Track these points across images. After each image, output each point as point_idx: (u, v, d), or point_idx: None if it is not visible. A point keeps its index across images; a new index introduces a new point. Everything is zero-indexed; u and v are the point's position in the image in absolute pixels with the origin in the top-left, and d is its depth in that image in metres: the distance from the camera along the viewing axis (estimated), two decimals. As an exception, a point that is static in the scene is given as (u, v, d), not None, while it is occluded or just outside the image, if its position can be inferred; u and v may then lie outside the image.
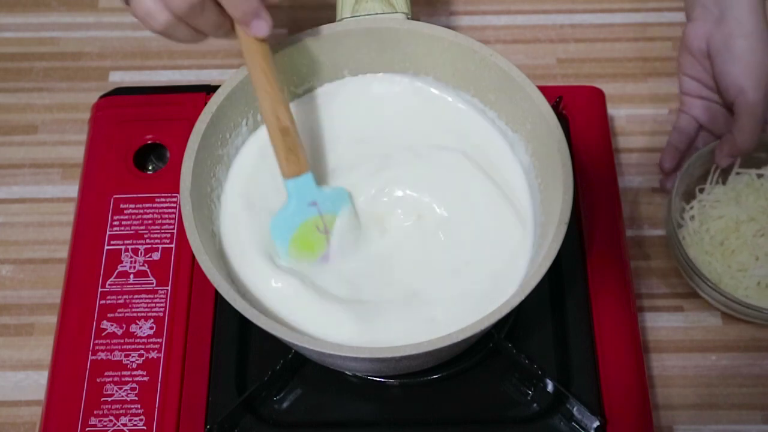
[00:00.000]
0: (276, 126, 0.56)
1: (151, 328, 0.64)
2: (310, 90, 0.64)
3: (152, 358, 0.62)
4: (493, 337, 0.62)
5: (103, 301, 0.64)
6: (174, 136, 0.70)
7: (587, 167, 0.69)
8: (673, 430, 0.65)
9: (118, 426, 0.60)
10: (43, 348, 0.68)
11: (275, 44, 0.61)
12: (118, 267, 0.66)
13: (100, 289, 0.65)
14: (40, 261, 0.72)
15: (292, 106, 0.64)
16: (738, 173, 0.70)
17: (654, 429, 0.61)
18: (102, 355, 0.63)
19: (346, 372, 0.62)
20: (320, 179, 0.61)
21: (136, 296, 0.65)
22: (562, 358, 0.63)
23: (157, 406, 0.61)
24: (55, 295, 0.68)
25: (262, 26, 0.54)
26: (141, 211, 0.68)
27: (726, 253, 0.67)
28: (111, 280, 0.65)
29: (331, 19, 0.62)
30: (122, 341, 0.63)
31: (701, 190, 0.69)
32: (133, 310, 0.64)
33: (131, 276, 0.65)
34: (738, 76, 0.64)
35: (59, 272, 0.69)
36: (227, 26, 0.54)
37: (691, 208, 0.69)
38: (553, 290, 0.65)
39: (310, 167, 0.58)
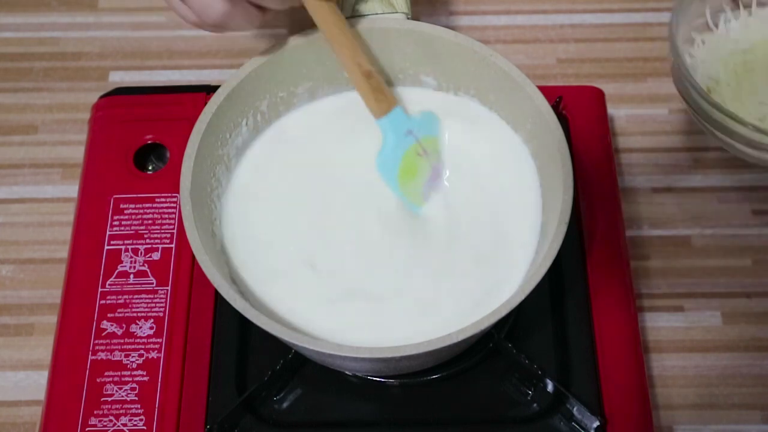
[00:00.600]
0: (359, 72, 0.58)
1: (151, 328, 0.64)
2: (309, 90, 0.64)
3: (152, 358, 0.62)
4: (493, 337, 0.62)
5: (103, 301, 0.64)
6: (174, 136, 0.70)
7: (587, 167, 0.69)
8: (673, 430, 0.65)
9: (118, 426, 0.60)
10: (43, 348, 0.68)
11: (275, 44, 0.61)
12: (118, 267, 0.66)
13: (100, 289, 0.65)
14: (40, 261, 0.72)
15: (293, 106, 0.64)
16: None
17: (654, 429, 0.61)
18: (102, 355, 0.63)
19: (346, 372, 0.62)
20: None
21: (136, 296, 0.65)
22: (562, 358, 0.63)
23: (157, 406, 0.61)
24: (55, 295, 0.68)
25: None
26: (141, 211, 0.68)
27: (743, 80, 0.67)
28: (111, 280, 0.65)
29: (331, 19, 0.62)
30: (122, 341, 0.63)
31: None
32: (133, 310, 0.64)
33: (131, 276, 0.65)
34: None
35: (59, 272, 0.69)
36: None
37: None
38: (553, 290, 0.65)
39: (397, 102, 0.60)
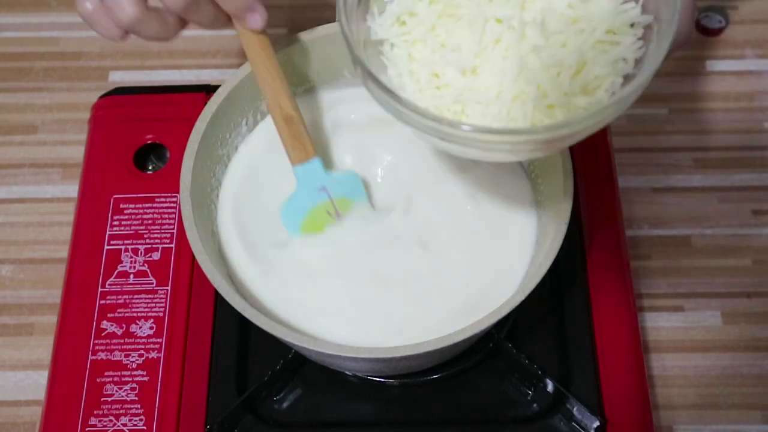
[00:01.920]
0: (280, 115, 0.57)
1: (151, 328, 0.64)
2: (309, 90, 0.64)
3: (152, 358, 0.62)
4: (493, 337, 0.62)
5: (103, 301, 0.64)
6: (174, 136, 0.70)
7: (587, 167, 0.69)
8: (673, 430, 0.65)
9: (118, 426, 0.60)
10: (43, 348, 0.68)
11: (275, 44, 0.61)
12: (118, 267, 0.66)
13: (100, 289, 0.65)
14: (40, 261, 0.72)
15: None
16: None
17: (654, 429, 0.61)
18: (102, 355, 0.63)
19: (346, 372, 0.62)
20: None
21: (136, 296, 0.65)
22: (562, 358, 0.63)
23: (157, 406, 0.61)
24: (55, 295, 0.68)
25: (257, 19, 0.54)
26: (141, 211, 0.68)
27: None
28: (111, 280, 0.65)
29: (331, 19, 0.62)
30: (122, 341, 0.63)
31: None
32: (133, 310, 0.64)
33: (131, 276, 0.65)
34: None
35: (59, 272, 0.69)
36: (223, 19, 0.54)
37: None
38: (553, 290, 0.65)
39: (318, 153, 0.58)
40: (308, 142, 0.58)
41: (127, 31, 0.53)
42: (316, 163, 0.58)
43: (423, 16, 0.50)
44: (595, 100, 0.47)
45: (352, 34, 0.48)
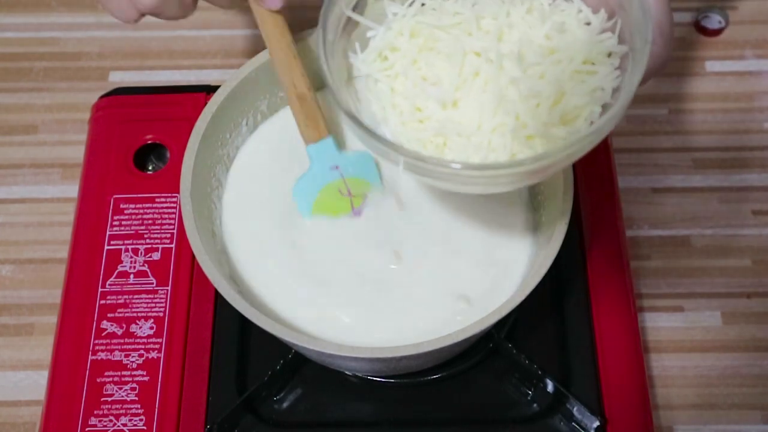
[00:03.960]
0: (293, 93, 0.58)
1: (151, 328, 0.64)
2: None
3: (152, 358, 0.62)
4: (493, 337, 0.62)
5: (103, 301, 0.64)
6: (174, 136, 0.70)
7: (587, 168, 0.69)
8: (673, 430, 0.65)
9: (118, 426, 0.60)
10: (43, 348, 0.68)
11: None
12: (118, 267, 0.66)
13: (100, 289, 0.65)
14: (40, 261, 0.72)
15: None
16: None
17: (654, 429, 0.61)
18: (102, 355, 0.63)
19: (346, 372, 0.62)
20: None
21: (136, 296, 0.65)
22: (562, 358, 0.63)
23: (157, 406, 0.61)
24: (55, 295, 0.68)
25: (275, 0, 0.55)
26: (141, 211, 0.68)
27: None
28: (111, 280, 0.65)
29: (331, 19, 0.62)
30: (122, 341, 0.63)
31: None
32: (133, 310, 0.64)
33: (131, 276, 0.65)
34: None
35: (59, 272, 0.69)
36: None
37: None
38: (553, 290, 0.65)
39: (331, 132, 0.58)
40: (321, 122, 0.58)
41: (143, 14, 0.53)
42: (328, 142, 0.58)
43: (404, 50, 0.51)
44: (574, 130, 0.48)
45: (333, 73, 0.49)
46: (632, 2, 0.47)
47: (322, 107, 0.59)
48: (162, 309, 0.64)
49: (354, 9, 0.52)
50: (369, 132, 0.46)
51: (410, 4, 0.52)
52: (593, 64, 0.48)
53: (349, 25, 0.52)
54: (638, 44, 0.46)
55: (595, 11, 0.50)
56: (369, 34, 0.52)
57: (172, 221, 0.67)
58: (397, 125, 0.50)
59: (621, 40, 0.49)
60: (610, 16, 0.49)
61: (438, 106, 0.49)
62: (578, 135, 0.46)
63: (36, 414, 0.66)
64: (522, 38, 0.49)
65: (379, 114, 0.50)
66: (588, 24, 0.49)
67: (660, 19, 0.48)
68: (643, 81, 0.47)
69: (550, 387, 0.60)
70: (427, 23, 0.50)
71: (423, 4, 0.52)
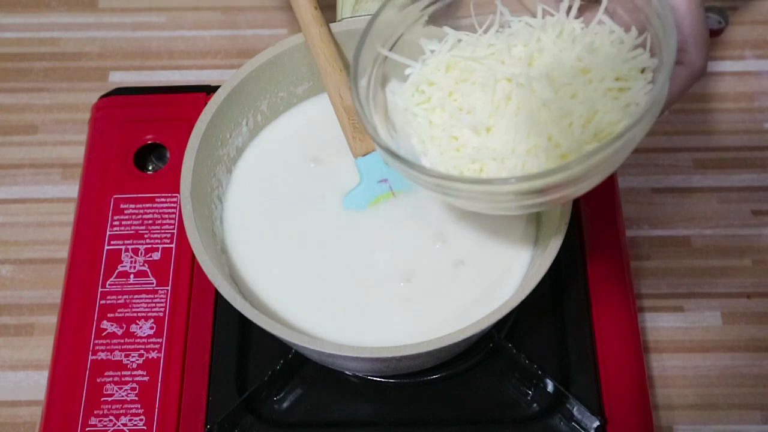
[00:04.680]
0: (340, 105, 0.58)
1: (151, 328, 0.64)
2: (309, 90, 0.64)
3: (152, 358, 0.62)
4: (493, 337, 0.62)
5: (103, 301, 0.64)
6: (174, 136, 0.70)
7: (587, 167, 0.69)
8: (673, 430, 0.65)
9: (118, 426, 0.60)
10: (43, 348, 0.68)
11: (275, 44, 0.61)
12: (118, 267, 0.66)
13: (100, 289, 0.65)
14: (40, 261, 0.72)
15: (296, 106, 0.64)
16: None
17: (654, 429, 0.61)
18: (102, 355, 0.63)
19: (346, 372, 0.62)
20: None
21: (136, 296, 0.65)
22: (562, 358, 0.63)
23: (157, 406, 0.61)
24: (55, 295, 0.68)
25: None
26: (141, 211, 0.68)
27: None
28: (111, 280, 0.65)
29: (331, 19, 0.62)
30: (122, 341, 0.63)
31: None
32: (133, 310, 0.64)
33: (131, 276, 0.65)
34: None
35: (59, 272, 0.69)
36: None
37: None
38: (553, 290, 0.65)
39: None
40: None
41: None
42: (376, 155, 0.59)
43: (441, 84, 0.52)
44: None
45: (370, 116, 0.51)
46: (658, 14, 0.47)
47: None
48: (162, 309, 0.64)
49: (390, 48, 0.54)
50: (409, 164, 0.47)
51: (446, 41, 0.53)
52: (626, 80, 0.49)
53: (381, 62, 0.54)
54: (666, 56, 0.46)
55: (627, 29, 0.50)
56: (407, 71, 0.54)
57: (172, 221, 0.67)
58: (437, 156, 0.51)
59: (652, 54, 0.49)
60: (641, 32, 0.49)
61: (472, 133, 0.50)
62: (611, 137, 0.45)
63: (36, 414, 0.66)
64: (553, 61, 0.50)
65: (419, 147, 0.52)
66: (621, 43, 0.50)
67: (695, 28, 0.48)
68: (683, 91, 0.48)
69: (550, 387, 0.61)
70: (462, 56, 0.52)
71: (460, 41, 0.53)
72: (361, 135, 0.59)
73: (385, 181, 0.59)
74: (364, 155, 0.59)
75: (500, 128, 0.49)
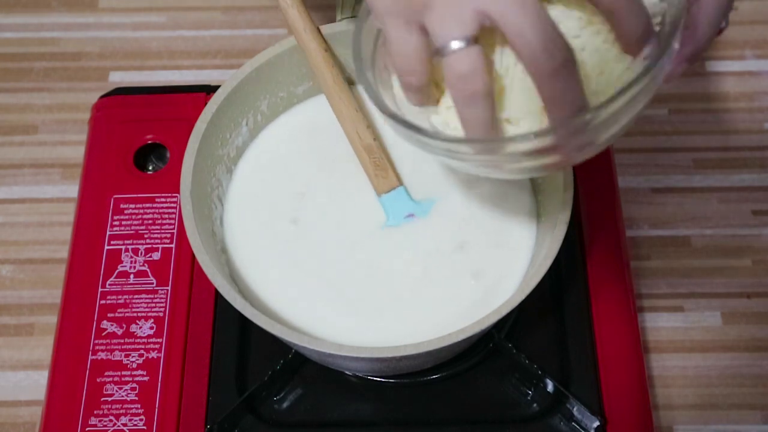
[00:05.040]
0: (359, 144, 0.59)
1: (151, 328, 0.64)
2: (309, 90, 0.64)
3: (152, 358, 0.62)
4: (493, 337, 0.62)
5: (103, 301, 0.64)
6: (174, 136, 0.70)
7: (587, 168, 0.69)
8: (673, 430, 0.65)
9: (118, 426, 0.60)
10: (43, 348, 0.68)
11: (275, 44, 0.61)
12: (118, 267, 0.66)
13: (100, 289, 0.65)
14: (40, 261, 0.72)
15: (297, 107, 0.64)
16: None
17: (654, 429, 0.61)
18: (102, 355, 0.63)
19: (346, 372, 0.62)
20: None
21: (136, 296, 0.65)
22: (562, 358, 0.63)
23: (157, 406, 0.61)
24: (55, 295, 0.68)
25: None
26: (141, 211, 0.68)
27: None
28: (111, 280, 0.65)
29: (331, 19, 0.62)
30: (122, 341, 0.63)
31: None
32: (133, 310, 0.64)
33: (131, 276, 0.65)
34: None
35: (59, 272, 0.69)
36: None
37: None
38: (553, 290, 0.65)
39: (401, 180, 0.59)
40: (391, 171, 0.59)
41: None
42: (401, 192, 0.59)
43: None
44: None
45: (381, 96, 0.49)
46: None
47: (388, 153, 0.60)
48: (162, 309, 0.64)
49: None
50: (418, 129, 0.46)
51: None
52: None
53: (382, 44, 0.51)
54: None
55: None
56: None
57: (172, 221, 0.67)
58: (457, 124, 0.47)
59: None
60: None
61: None
62: (630, 81, 0.44)
63: (36, 414, 0.66)
64: (559, 15, 0.48)
65: (436, 119, 0.49)
66: None
67: None
68: (715, 23, 0.46)
69: (550, 387, 0.60)
70: None
71: None
72: (383, 173, 0.59)
73: (412, 215, 0.59)
74: (388, 192, 0.59)
75: (512, 90, 0.48)
